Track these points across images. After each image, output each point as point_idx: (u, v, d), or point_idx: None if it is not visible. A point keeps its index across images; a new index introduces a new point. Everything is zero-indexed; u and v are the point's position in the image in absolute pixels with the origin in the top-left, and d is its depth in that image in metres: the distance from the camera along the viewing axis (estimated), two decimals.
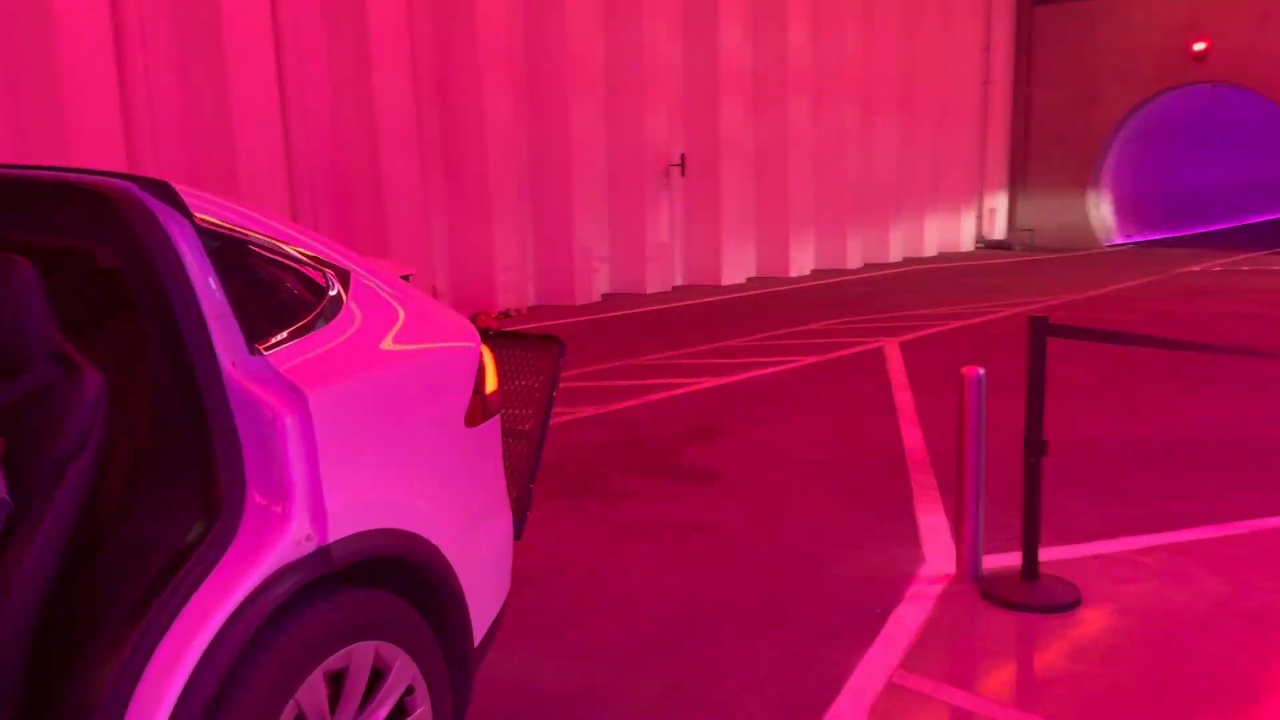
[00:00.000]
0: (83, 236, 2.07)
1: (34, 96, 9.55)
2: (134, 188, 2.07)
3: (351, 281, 2.49)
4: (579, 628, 3.86)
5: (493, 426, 2.76)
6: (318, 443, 2.07)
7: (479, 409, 2.66)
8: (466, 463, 2.60)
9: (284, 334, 2.21)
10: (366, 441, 2.22)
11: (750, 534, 4.90)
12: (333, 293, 2.40)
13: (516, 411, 3.68)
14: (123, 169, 10.02)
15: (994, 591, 4.06)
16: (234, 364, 2.06)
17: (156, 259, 1.99)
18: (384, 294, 2.58)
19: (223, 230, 2.18)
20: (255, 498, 2.02)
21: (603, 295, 15.28)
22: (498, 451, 2.82)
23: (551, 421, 6.93)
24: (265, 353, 2.11)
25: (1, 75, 9.49)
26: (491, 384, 2.77)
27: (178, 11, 10.74)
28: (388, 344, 2.44)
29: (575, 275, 14.75)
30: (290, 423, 2.05)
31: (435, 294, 13.03)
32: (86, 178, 2.10)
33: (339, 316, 2.37)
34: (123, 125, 10.25)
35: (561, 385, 8.12)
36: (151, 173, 10.38)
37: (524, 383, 3.69)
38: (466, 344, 2.72)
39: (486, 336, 3.74)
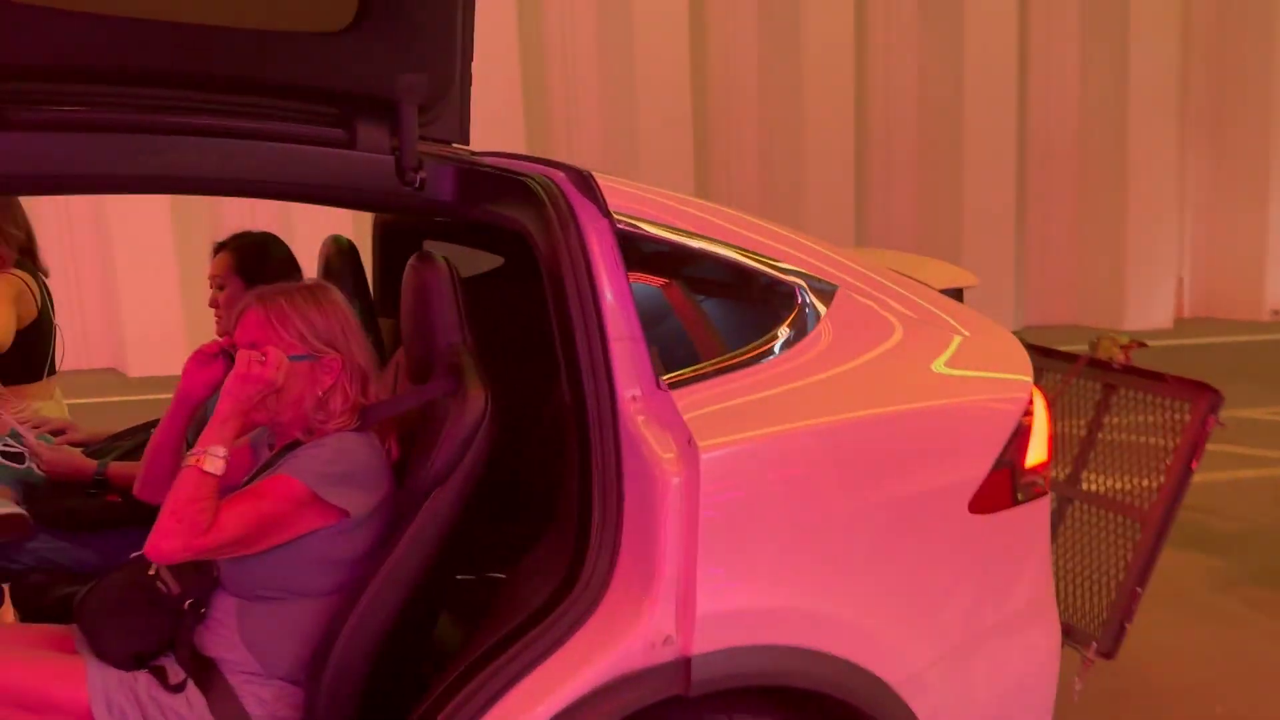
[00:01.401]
0: (524, 230, 1.88)
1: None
2: (560, 177, 1.81)
3: (836, 299, 1.93)
4: None
5: (1030, 512, 1.98)
6: (700, 516, 1.61)
7: (1003, 489, 1.91)
8: (963, 563, 1.89)
9: (707, 365, 1.77)
10: (782, 524, 1.69)
11: None
12: (792, 316, 1.88)
13: (1136, 482, 2.72)
14: (849, 151, 10.36)
15: None
16: (634, 397, 1.69)
17: (563, 259, 1.72)
18: (890, 317, 1.98)
19: (652, 234, 1.81)
20: (622, 571, 1.65)
21: None
22: (1038, 546, 2.03)
23: (1269, 472, 5.33)
24: (674, 388, 1.70)
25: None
26: (1038, 454, 1.98)
27: None
28: (857, 389, 1.85)
29: None
30: (676, 484, 1.62)
31: (1180, 289, 11.24)
32: (528, 165, 1.90)
33: (794, 346, 1.85)
34: (854, 100, 10.56)
35: None
36: (883, 147, 10.58)
37: (1152, 441, 2.71)
38: (1003, 395, 1.97)
39: (1108, 370, 2.83)
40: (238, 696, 1.66)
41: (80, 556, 2.32)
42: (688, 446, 1.64)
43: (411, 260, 1.92)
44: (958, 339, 2.06)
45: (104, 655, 1.61)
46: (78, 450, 2.43)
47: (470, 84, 2.04)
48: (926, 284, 2.26)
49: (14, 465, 2.38)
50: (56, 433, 2.53)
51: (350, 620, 1.66)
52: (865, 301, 1.97)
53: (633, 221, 1.79)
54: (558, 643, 1.60)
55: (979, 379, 2.02)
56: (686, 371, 1.74)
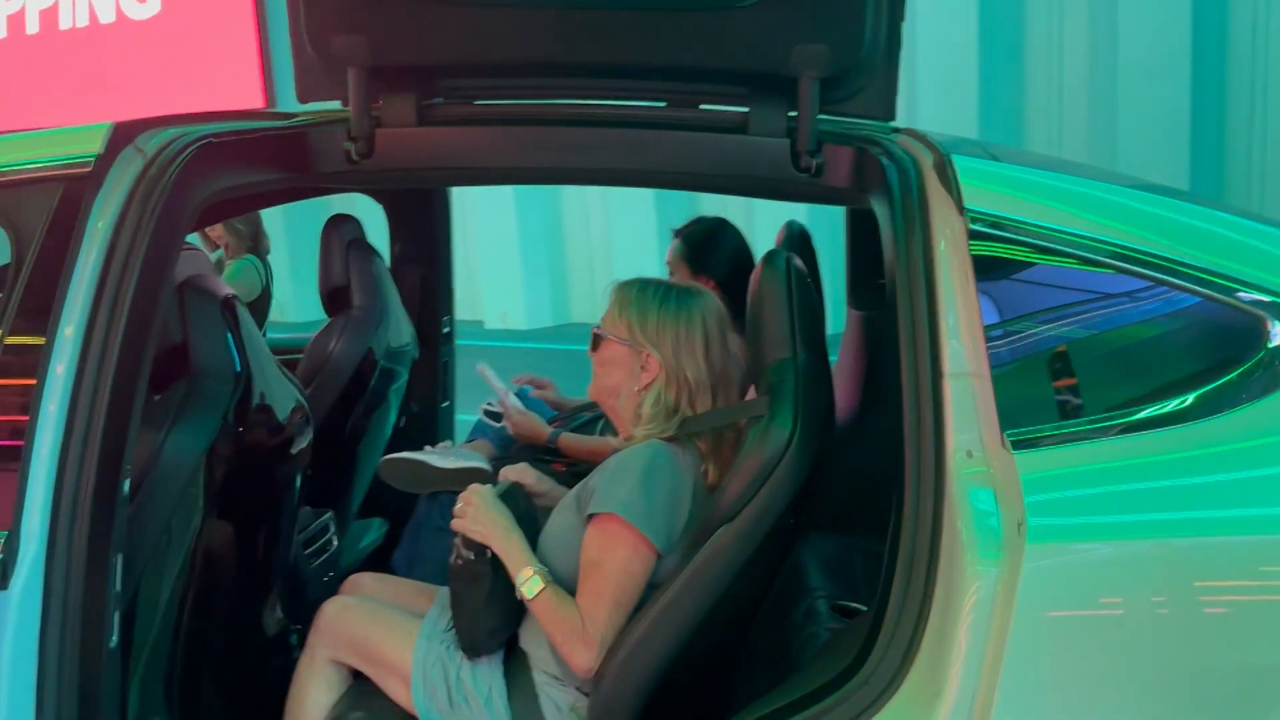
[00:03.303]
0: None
1: None
2: (925, 161, 1.47)
3: None
4: None
5: None
6: (1012, 635, 1.19)
7: None
8: None
9: (1084, 422, 1.29)
10: (1153, 671, 1.17)
11: None
12: (1252, 363, 1.29)
13: None
14: None
15: None
16: (969, 454, 1.31)
17: (898, 266, 1.40)
18: None
19: (1025, 239, 1.37)
20: (915, 677, 1.30)
21: None
22: None
23: None
24: (1023, 449, 1.28)
25: None
26: None
27: None
28: None
29: None
30: (990, 582, 1.22)
31: None
32: (908, 143, 1.57)
33: (1245, 407, 1.27)
34: None
35: None
36: None
37: None
38: None
39: None
40: (538, 698, 1.66)
41: None
42: (1017, 533, 1.22)
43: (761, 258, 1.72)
44: None
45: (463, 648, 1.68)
46: (538, 418, 2.63)
47: (899, 52, 1.74)
48: None
49: (494, 423, 2.67)
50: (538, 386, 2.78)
51: (619, 654, 1.55)
52: None
53: (1002, 220, 1.37)
54: None
55: None
56: (1048, 429, 1.29)
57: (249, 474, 1.85)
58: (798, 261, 1.69)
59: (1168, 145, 6.53)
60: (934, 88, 6.84)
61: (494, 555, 1.63)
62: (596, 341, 1.74)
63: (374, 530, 2.87)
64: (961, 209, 1.36)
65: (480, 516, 1.65)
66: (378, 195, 2.79)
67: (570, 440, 2.55)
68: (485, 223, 8.37)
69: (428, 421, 3.00)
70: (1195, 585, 1.19)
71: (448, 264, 2.94)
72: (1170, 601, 1.19)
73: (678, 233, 2.57)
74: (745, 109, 1.77)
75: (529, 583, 1.60)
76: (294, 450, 1.96)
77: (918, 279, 1.37)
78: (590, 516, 1.60)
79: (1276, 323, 1.30)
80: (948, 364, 1.33)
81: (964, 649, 1.23)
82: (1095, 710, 1.20)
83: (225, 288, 1.84)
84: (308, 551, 2.30)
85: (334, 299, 2.54)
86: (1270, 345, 1.29)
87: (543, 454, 2.60)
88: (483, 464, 2.54)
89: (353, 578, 1.96)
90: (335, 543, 2.41)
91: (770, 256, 1.67)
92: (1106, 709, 1.20)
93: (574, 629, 1.56)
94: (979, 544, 1.24)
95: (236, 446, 1.79)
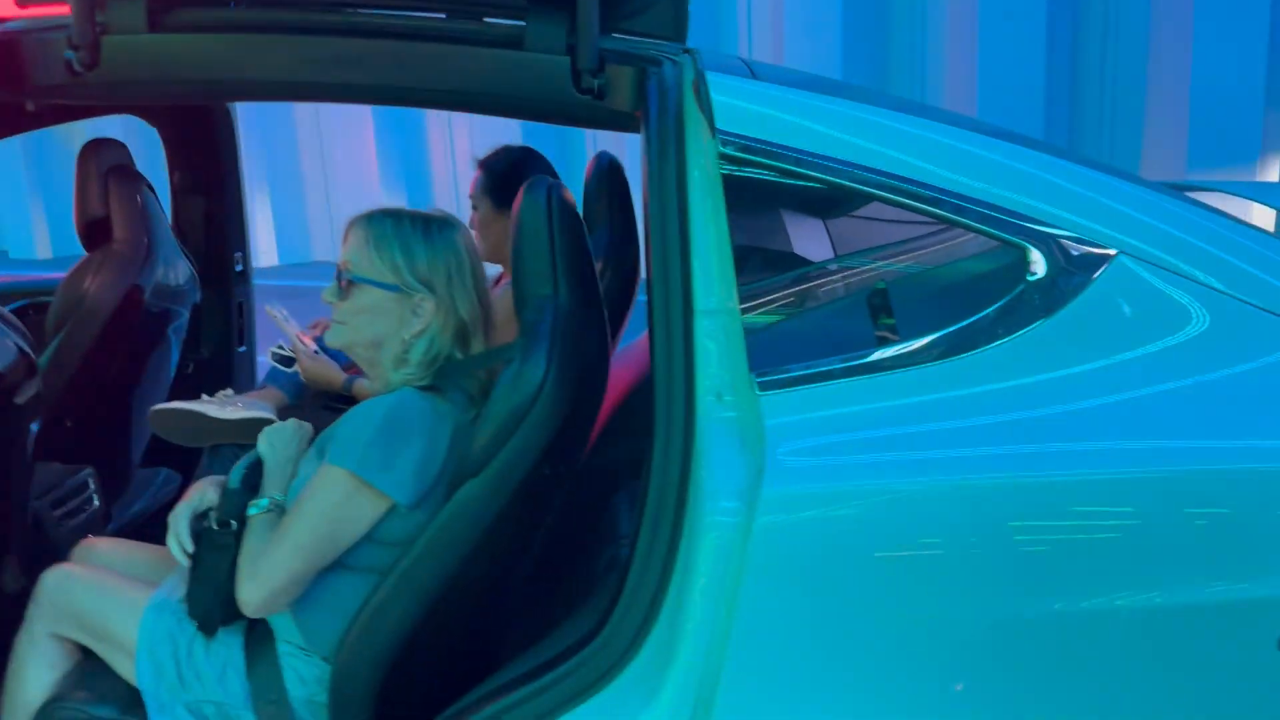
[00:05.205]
0: None
1: None
2: (694, 77, 1.35)
3: (1105, 274, 1.23)
4: None
5: None
6: (743, 593, 1.11)
7: None
8: None
9: (835, 362, 1.21)
10: (894, 633, 1.11)
11: None
12: (1009, 298, 1.22)
13: None
14: None
15: None
16: (719, 396, 1.22)
17: (650, 193, 1.28)
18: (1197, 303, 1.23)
19: (778, 163, 1.27)
20: (655, 639, 1.21)
21: None
22: None
23: None
24: (770, 390, 1.19)
25: None
26: None
27: None
28: (1101, 422, 1.16)
29: None
30: (725, 536, 1.13)
31: None
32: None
33: (998, 342, 1.20)
34: None
35: None
36: None
37: None
38: None
39: None
40: (280, 670, 1.52)
41: None
42: (758, 480, 1.13)
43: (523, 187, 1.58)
44: None
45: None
46: (332, 363, 2.46)
47: None
48: None
49: (285, 369, 2.48)
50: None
51: (358, 620, 1.43)
52: (1164, 279, 1.24)
53: (754, 142, 1.26)
54: (548, 715, 1.22)
55: None
56: (798, 369, 1.21)
57: None
58: (565, 192, 1.56)
59: (1024, 80, 6.71)
60: (799, 29, 6.83)
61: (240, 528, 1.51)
62: (349, 289, 1.57)
63: (158, 483, 2.67)
64: (714, 130, 1.25)
65: (275, 438, 1.59)
66: (149, 116, 2.54)
67: (365, 388, 2.39)
68: (344, 150, 7.96)
69: (221, 367, 2.79)
70: (941, 534, 1.13)
71: (237, 193, 2.71)
72: (913, 551, 1.12)
73: (481, 163, 2.41)
74: (522, 21, 1.63)
75: (257, 504, 1.51)
76: (18, 400, 1.76)
77: (669, 207, 1.25)
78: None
79: (1037, 253, 1.23)
80: (699, 299, 1.24)
81: (699, 608, 1.14)
82: (836, 667, 1.13)
83: None
84: (58, 512, 2.10)
85: (92, 232, 2.30)
86: (1029, 278, 1.23)
87: (337, 401, 2.43)
88: (267, 414, 2.35)
89: (85, 542, 1.77)
90: (96, 501, 2.21)
91: (531, 185, 1.53)
92: (848, 665, 1.13)
93: (250, 557, 1.46)
94: (720, 491, 1.15)
95: None
